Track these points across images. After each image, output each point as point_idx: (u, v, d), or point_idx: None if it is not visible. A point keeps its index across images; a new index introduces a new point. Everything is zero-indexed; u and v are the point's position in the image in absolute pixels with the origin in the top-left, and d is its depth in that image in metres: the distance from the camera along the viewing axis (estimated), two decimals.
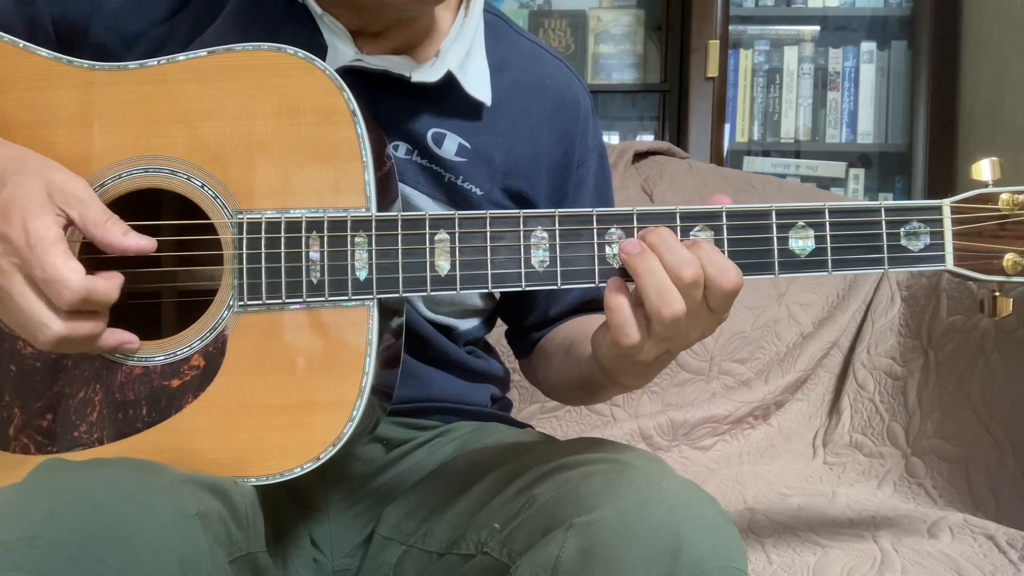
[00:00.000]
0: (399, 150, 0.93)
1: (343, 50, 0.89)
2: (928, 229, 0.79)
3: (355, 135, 0.79)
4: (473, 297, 1.01)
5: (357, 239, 0.79)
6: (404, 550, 0.87)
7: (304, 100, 0.80)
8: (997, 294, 0.80)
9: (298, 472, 0.77)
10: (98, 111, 0.81)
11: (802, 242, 0.78)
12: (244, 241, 0.79)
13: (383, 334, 0.80)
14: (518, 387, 1.59)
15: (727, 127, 2.59)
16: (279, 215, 0.79)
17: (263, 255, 0.79)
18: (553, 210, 0.79)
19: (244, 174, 0.80)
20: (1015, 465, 1.22)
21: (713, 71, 2.46)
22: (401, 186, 0.91)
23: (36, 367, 0.80)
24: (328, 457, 0.77)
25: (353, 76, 0.86)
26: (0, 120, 0.81)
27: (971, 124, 2.34)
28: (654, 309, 0.73)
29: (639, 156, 1.91)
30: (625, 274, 0.77)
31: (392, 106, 0.92)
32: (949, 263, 0.79)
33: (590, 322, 1.02)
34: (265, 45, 0.81)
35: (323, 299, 0.79)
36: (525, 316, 1.07)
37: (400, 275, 0.78)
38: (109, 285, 0.73)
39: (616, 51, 2.71)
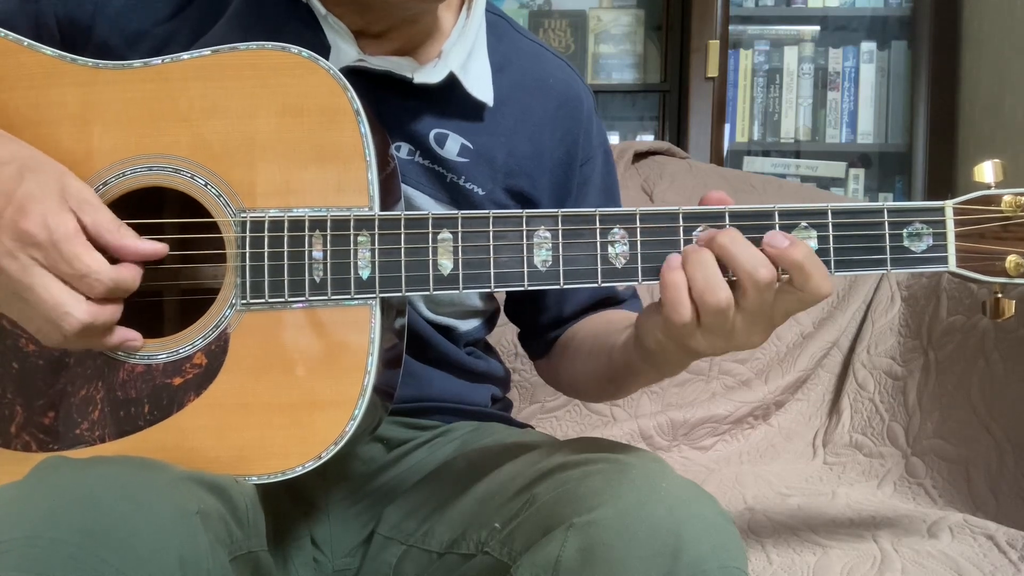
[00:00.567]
0: (401, 151, 0.93)
1: (346, 50, 0.89)
2: (931, 230, 0.79)
3: (359, 135, 0.80)
4: (473, 298, 1.01)
5: (360, 238, 0.79)
6: (404, 550, 0.87)
7: (308, 99, 0.80)
8: (999, 296, 0.80)
9: (299, 471, 0.77)
10: (102, 109, 0.81)
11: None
12: (247, 239, 0.79)
13: (385, 333, 0.80)
14: (518, 387, 1.60)
15: (727, 127, 2.59)
16: (282, 214, 0.79)
17: (266, 254, 0.79)
18: (556, 210, 0.79)
19: (247, 173, 0.80)
20: (1015, 465, 1.22)
21: (713, 71, 2.46)
22: (403, 187, 0.91)
23: (38, 365, 0.80)
24: (329, 456, 0.77)
25: (356, 76, 0.86)
26: (4, 118, 0.81)
27: (971, 124, 2.34)
28: (698, 293, 0.73)
29: (639, 156, 1.91)
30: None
31: (394, 107, 0.92)
32: (952, 264, 0.79)
33: (615, 315, 1.02)
34: (269, 44, 0.81)
35: (325, 298, 0.79)
36: (538, 316, 1.07)
37: (403, 274, 0.79)
38: (132, 274, 0.75)
39: (616, 51, 2.71)
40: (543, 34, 2.70)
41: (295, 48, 0.80)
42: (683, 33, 2.56)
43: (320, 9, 0.89)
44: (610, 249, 0.78)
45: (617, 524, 0.68)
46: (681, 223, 0.78)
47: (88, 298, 0.73)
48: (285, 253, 0.79)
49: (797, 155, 2.65)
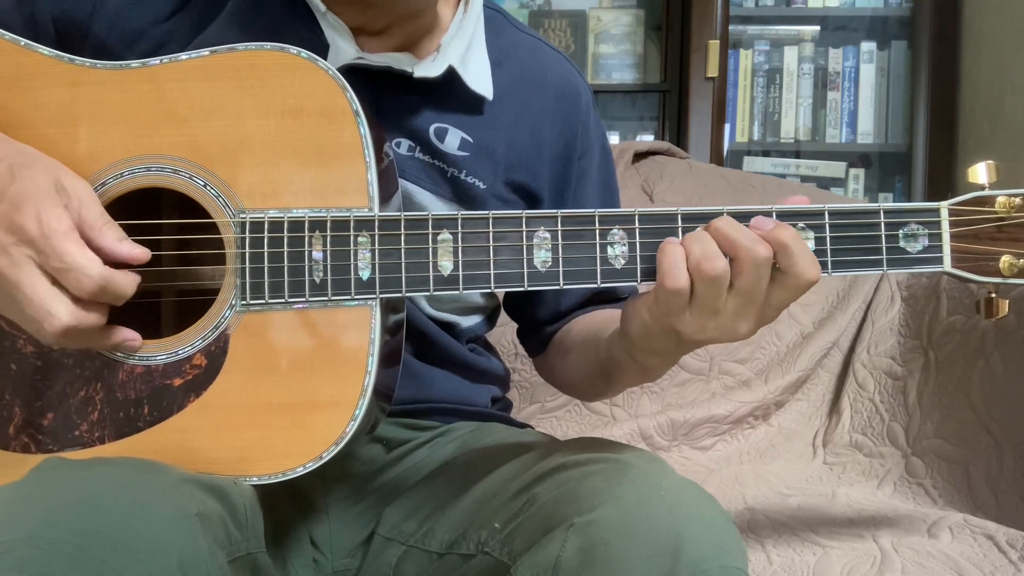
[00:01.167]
0: (401, 147, 0.94)
1: (344, 49, 0.89)
2: (926, 231, 0.79)
3: (358, 135, 0.80)
4: (474, 294, 1.02)
5: (360, 239, 0.79)
6: (404, 550, 0.87)
7: (307, 100, 0.80)
8: (994, 295, 0.81)
9: (300, 471, 0.77)
10: (100, 110, 0.81)
11: None
12: (247, 240, 0.79)
13: (385, 334, 0.80)
14: (518, 387, 1.60)
15: (727, 127, 2.59)
16: (282, 214, 0.79)
17: (266, 254, 0.79)
18: (555, 211, 0.79)
19: (246, 173, 0.80)
20: (1015, 465, 1.22)
21: (713, 71, 2.46)
22: (404, 183, 0.91)
23: (37, 366, 0.80)
24: (330, 457, 0.77)
25: (355, 74, 0.86)
26: (2, 118, 0.81)
27: (971, 124, 2.34)
28: (695, 262, 0.73)
29: (639, 156, 1.91)
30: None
31: (394, 102, 0.92)
32: (947, 265, 0.80)
33: (611, 313, 1.02)
34: (268, 45, 0.81)
35: (325, 299, 0.79)
36: (535, 312, 1.07)
37: (403, 275, 0.79)
38: (128, 280, 0.74)
39: (616, 51, 2.71)
40: (543, 34, 2.69)
41: (293, 48, 0.80)
42: (683, 33, 2.55)
43: (320, 7, 0.89)
44: (609, 250, 0.78)
45: (617, 524, 0.68)
46: (680, 224, 0.78)
47: (76, 297, 0.72)
48: (285, 254, 0.79)
49: (797, 155, 2.65)
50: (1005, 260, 0.79)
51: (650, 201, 1.79)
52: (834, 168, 2.63)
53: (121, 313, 0.77)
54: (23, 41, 0.83)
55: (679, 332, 0.77)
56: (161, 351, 0.79)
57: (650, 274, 0.78)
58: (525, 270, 0.79)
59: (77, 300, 0.72)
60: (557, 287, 0.79)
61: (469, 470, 0.89)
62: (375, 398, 0.80)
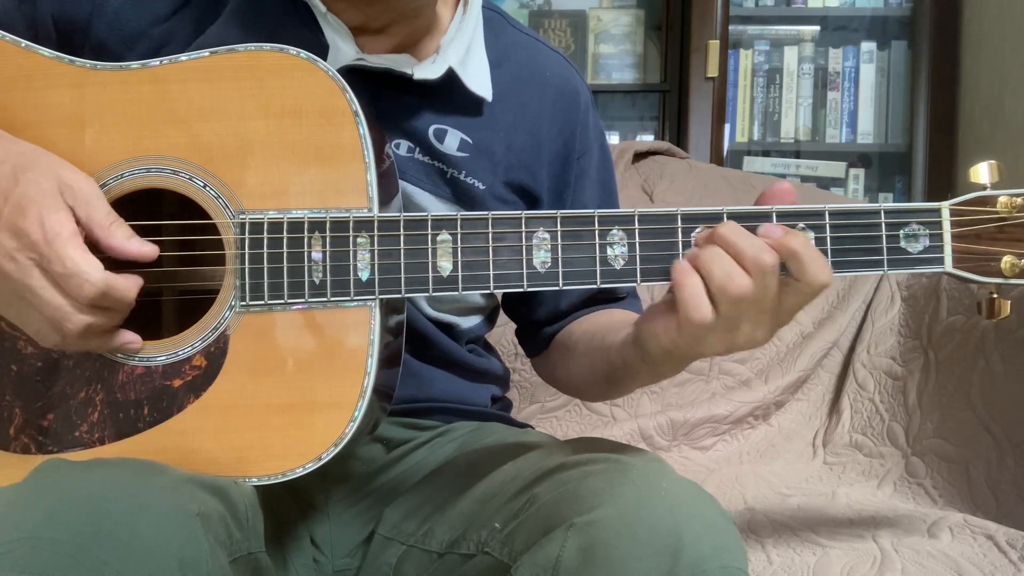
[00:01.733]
0: (400, 148, 0.94)
1: (344, 49, 0.89)
2: (927, 231, 0.79)
3: (357, 136, 0.80)
4: (474, 295, 1.01)
5: (359, 240, 0.79)
6: (404, 550, 0.87)
7: (306, 101, 0.80)
8: (995, 296, 0.81)
9: (299, 472, 0.77)
10: (100, 111, 0.81)
11: None
12: (246, 241, 0.79)
13: (384, 334, 0.80)
14: (518, 387, 1.60)
15: (727, 127, 2.59)
16: (281, 215, 0.79)
17: (265, 255, 0.79)
18: (555, 211, 0.79)
19: (246, 174, 0.80)
20: (1015, 465, 1.22)
21: (713, 71, 2.46)
22: (404, 184, 0.91)
23: (37, 367, 0.80)
24: (330, 457, 0.77)
25: (354, 75, 0.86)
26: (2, 120, 0.81)
27: (971, 124, 2.34)
28: (718, 286, 0.72)
29: (639, 156, 1.91)
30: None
31: (393, 104, 0.92)
32: (948, 265, 0.79)
33: (614, 314, 1.02)
34: (267, 46, 0.81)
35: (325, 299, 0.79)
36: (534, 312, 1.07)
37: (402, 276, 0.79)
38: (128, 284, 0.74)
39: (616, 51, 2.71)
40: (543, 34, 2.70)
41: (293, 49, 0.80)
42: (683, 33, 2.56)
43: (320, 7, 0.90)
44: (609, 250, 0.78)
45: (617, 524, 0.68)
46: (679, 224, 0.78)
47: (77, 301, 0.72)
48: (284, 255, 0.79)
49: (797, 155, 2.65)
50: (1006, 260, 0.79)
51: (650, 201, 1.79)
52: (834, 168, 2.63)
53: None
54: (23, 42, 0.83)
55: (703, 353, 0.76)
56: (161, 352, 0.79)
57: (650, 274, 0.78)
58: (524, 271, 0.78)
59: (78, 301, 0.72)
60: (557, 288, 0.78)
61: (469, 470, 0.89)
62: (375, 399, 0.80)
